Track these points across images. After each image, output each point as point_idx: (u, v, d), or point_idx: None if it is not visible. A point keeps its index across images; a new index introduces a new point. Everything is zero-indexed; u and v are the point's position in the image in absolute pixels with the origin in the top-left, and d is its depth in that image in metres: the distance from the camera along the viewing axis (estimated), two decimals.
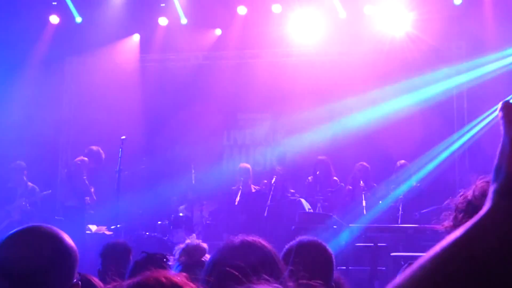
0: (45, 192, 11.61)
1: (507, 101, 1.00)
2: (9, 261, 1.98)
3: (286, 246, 3.14)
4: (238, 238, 2.39)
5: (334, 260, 3.17)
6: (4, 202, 11.32)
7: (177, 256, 3.66)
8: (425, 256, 0.96)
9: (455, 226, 2.25)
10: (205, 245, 3.63)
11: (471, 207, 2.23)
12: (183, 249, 3.56)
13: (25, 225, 2.09)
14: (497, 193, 0.94)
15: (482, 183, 2.28)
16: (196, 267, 3.52)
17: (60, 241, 2.08)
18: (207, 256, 3.70)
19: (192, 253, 3.55)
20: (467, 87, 12.23)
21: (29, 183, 11.56)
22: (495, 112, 1.03)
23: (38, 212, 11.53)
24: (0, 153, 12.17)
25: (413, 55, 12.59)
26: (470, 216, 2.18)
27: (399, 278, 0.96)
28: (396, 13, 12.41)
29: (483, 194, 2.20)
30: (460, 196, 2.33)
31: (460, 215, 2.26)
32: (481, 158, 11.35)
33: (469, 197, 2.27)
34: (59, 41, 13.34)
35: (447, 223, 2.33)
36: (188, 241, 3.63)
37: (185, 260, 3.55)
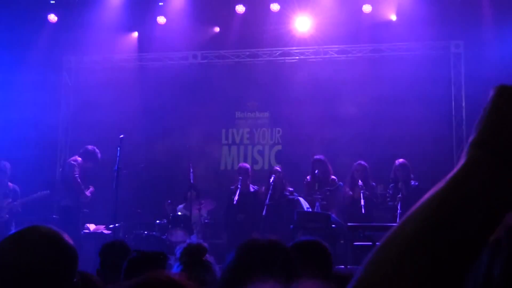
0: (41, 193, 11.54)
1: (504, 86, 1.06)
2: (9, 262, 1.98)
3: (288, 245, 3.13)
4: (260, 238, 2.39)
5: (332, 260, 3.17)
6: None
7: (178, 255, 3.65)
8: (408, 213, 1.02)
9: None
10: (206, 245, 3.62)
11: None
12: (184, 249, 3.55)
13: (24, 226, 2.08)
14: (472, 145, 1.02)
15: None
16: (198, 266, 3.51)
17: (60, 241, 2.08)
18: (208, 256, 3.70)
19: (194, 252, 3.54)
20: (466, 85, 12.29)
21: (10, 184, 11.49)
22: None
23: (29, 212, 11.50)
24: None
25: (410, 54, 12.63)
26: None
27: (387, 235, 1.00)
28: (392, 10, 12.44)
29: None
30: None
31: None
32: None
33: None
34: (57, 39, 13.32)
35: None
36: (189, 240, 3.63)
37: (186, 260, 3.55)
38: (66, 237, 2.11)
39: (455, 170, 1.00)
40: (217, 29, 13.53)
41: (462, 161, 1.01)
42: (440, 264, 0.95)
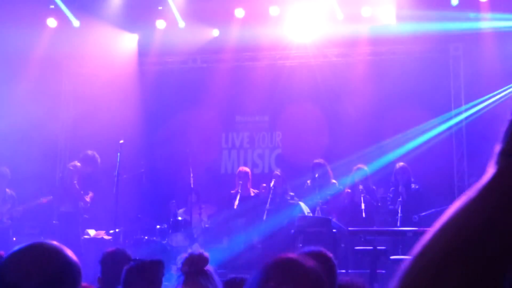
0: (42, 198, 11.53)
1: None
2: (14, 278, 1.98)
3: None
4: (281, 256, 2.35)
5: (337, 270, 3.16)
6: None
7: (179, 265, 3.65)
8: (439, 223, 1.02)
9: None
10: (207, 255, 3.62)
11: None
12: (186, 258, 3.56)
13: (28, 243, 2.08)
14: (502, 154, 1.01)
15: None
16: (199, 276, 3.51)
17: (64, 256, 2.08)
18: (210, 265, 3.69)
19: (195, 262, 3.54)
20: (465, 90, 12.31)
21: (7, 190, 11.48)
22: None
23: (30, 217, 11.50)
24: None
25: (410, 57, 12.64)
26: None
27: (420, 246, 1.01)
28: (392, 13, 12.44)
29: None
30: None
31: None
32: (479, 160, 11.36)
33: None
34: (56, 44, 13.31)
35: None
36: (190, 250, 3.63)
37: (188, 269, 3.54)
38: (70, 253, 2.11)
39: (487, 179, 1.00)
40: (216, 33, 13.52)
41: (493, 170, 1.01)
42: (481, 273, 0.95)
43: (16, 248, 2.05)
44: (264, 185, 11.06)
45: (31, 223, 11.64)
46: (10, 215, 11.34)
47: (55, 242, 2.12)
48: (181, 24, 13.17)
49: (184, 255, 3.61)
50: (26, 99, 12.81)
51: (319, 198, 10.19)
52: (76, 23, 13.25)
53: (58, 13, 13.21)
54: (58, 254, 2.06)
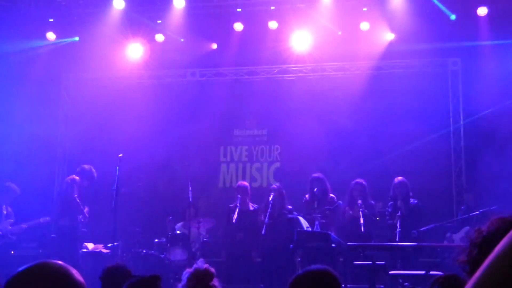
0: (44, 218, 11.52)
1: None
2: None
3: (295, 275, 3.11)
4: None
5: None
6: None
7: (184, 280, 3.62)
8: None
9: (469, 262, 2.25)
10: (213, 270, 3.58)
11: (486, 243, 2.22)
12: (192, 274, 3.53)
13: (33, 262, 2.08)
14: None
15: (497, 220, 2.28)
16: None
17: (69, 276, 2.07)
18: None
19: (201, 278, 3.51)
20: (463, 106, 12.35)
21: (8, 207, 11.47)
22: None
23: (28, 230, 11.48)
24: None
25: (409, 71, 12.68)
26: (484, 252, 2.18)
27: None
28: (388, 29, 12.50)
29: (498, 231, 2.20)
30: (476, 231, 2.33)
31: (475, 251, 2.25)
32: (478, 176, 11.38)
33: (484, 233, 2.26)
34: (55, 57, 13.33)
35: (462, 257, 2.32)
36: (196, 265, 3.58)
37: (193, 285, 3.52)
38: (75, 273, 2.11)
39: None
40: (215, 47, 13.55)
41: None
42: None
43: (20, 268, 2.04)
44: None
45: (29, 237, 11.60)
46: (13, 231, 11.31)
47: (60, 262, 2.11)
48: (180, 37, 13.21)
49: (188, 270, 3.58)
50: (24, 113, 12.83)
51: (318, 213, 10.17)
52: (75, 36, 13.27)
53: (57, 27, 13.23)
54: (63, 274, 2.06)
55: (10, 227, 11.30)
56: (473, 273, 2.18)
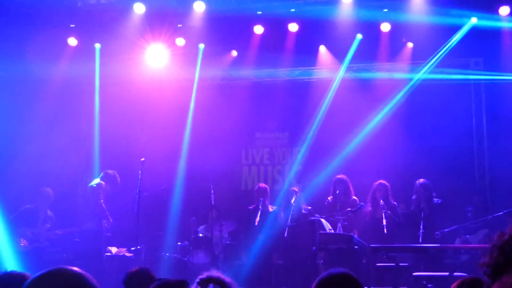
0: (77, 228, 11.63)
1: None
2: None
3: (317, 279, 3.10)
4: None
5: None
6: (24, 223, 11.34)
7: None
8: None
9: (490, 265, 2.23)
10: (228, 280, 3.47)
11: (508, 245, 2.19)
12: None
13: (51, 268, 2.09)
14: None
15: None
16: None
17: (84, 283, 2.08)
18: None
19: None
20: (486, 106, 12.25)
21: (48, 211, 11.61)
22: None
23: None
24: (19, 173, 12.23)
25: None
26: (506, 255, 2.16)
27: None
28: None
29: None
30: (498, 234, 2.30)
31: (496, 254, 2.23)
32: (501, 175, 11.30)
33: (506, 236, 2.23)
34: (77, 62, 13.41)
35: (483, 260, 2.30)
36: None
37: None
38: (91, 279, 2.11)
39: None
40: (235, 54, 13.55)
41: None
42: None
43: (37, 274, 2.05)
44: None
45: (53, 242, 11.70)
46: (48, 237, 11.42)
47: (76, 268, 2.12)
48: (200, 41, 13.25)
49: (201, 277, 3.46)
50: (47, 119, 12.93)
51: (340, 215, 10.15)
52: (96, 41, 13.35)
53: (78, 32, 13.32)
54: (80, 280, 2.07)
55: (44, 232, 11.41)
56: (494, 276, 2.16)
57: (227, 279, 3.51)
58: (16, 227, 11.30)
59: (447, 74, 12.31)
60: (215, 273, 3.67)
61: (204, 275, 3.66)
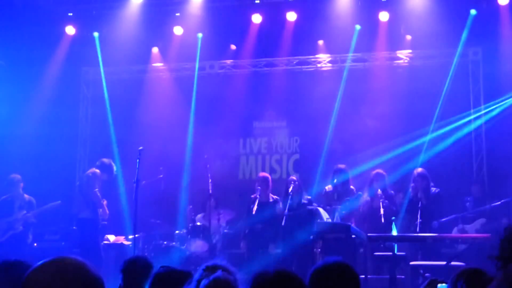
0: (53, 203, 11.59)
1: None
2: None
3: (312, 268, 3.11)
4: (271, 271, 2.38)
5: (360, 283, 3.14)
6: (2, 214, 11.36)
7: (198, 276, 3.54)
8: None
9: (501, 258, 2.24)
10: (233, 279, 3.41)
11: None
12: (209, 285, 3.35)
13: (50, 257, 2.08)
14: None
15: None
16: None
17: (87, 272, 2.07)
18: None
19: None
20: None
21: (26, 196, 11.59)
22: None
23: (50, 222, 11.59)
24: (16, 163, 12.25)
25: (429, 61, 12.60)
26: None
27: None
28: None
29: None
30: (508, 227, 2.31)
31: (507, 246, 2.25)
32: (499, 165, 11.32)
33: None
34: (75, 51, 13.40)
35: (494, 253, 2.31)
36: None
37: None
38: (93, 268, 2.10)
39: None
40: (233, 40, 13.52)
41: None
42: None
43: (38, 263, 2.04)
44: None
45: (51, 229, 11.71)
46: (24, 222, 11.40)
47: (77, 257, 2.11)
48: (198, 30, 13.22)
49: (207, 280, 3.37)
50: (44, 106, 12.91)
51: (338, 204, 10.16)
52: (94, 30, 13.32)
53: (76, 21, 13.29)
54: (80, 269, 2.06)
55: (20, 218, 11.38)
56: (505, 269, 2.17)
57: (232, 268, 3.52)
58: None
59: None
60: (220, 261, 3.68)
61: (210, 262, 3.67)
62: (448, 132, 12.03)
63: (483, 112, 12.14)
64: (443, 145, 11.95)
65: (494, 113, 11.92)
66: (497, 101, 11.87)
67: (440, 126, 12.07)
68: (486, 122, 12.10)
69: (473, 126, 12.15)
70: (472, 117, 12.17)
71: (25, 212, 11.44)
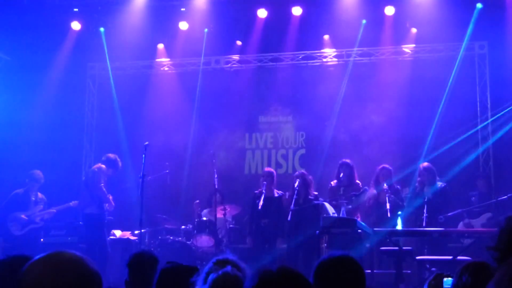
0: (71, 203, 11.64)
1: None
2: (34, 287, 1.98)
3: (318, 262, 3.11)
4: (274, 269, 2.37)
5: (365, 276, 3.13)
6: (16, 208, 11.40)
7: (208, 268, 3.52)
8: None
9: (499, 249, 2.23)
10: (241, 276, 3.36)
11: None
12: (217, 280, 3.31)
13: (48, 252, 2.08)
14: None
15: None
16: None
17: (84, 267, 2.07)
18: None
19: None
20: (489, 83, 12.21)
21: (39, 194, 11.65)
22: None
23: (55, 218, 11.65)
24: (23, 158, 12.29)
25: (434, 56, 12.56)
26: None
27: None
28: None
29: None
30: (508, 218, 2.30)
31: (505, 238, 2.23)
32: (506, 160, 11.28)
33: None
34: (81, 47, 13.41)
35: (492, 244, 2.30)
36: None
37: None
38: (90, 262, 2.10)
39: None
40: (239, 43, 13.51)
41: None
42: None
43: (34, 258, 2.04)
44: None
45: (57, 224, 11.74)
46: (42, 217, 11.48)
47: (75, 252, 2.11)
48: (204, 25, 13.21)
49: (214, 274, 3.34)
50: (51, 103, 12.94)
51: (344, 199, 10.15)
52: (100, 26, 13.33)
53: (82, 16, 13.30)
54: (78, 264, 2.06)
55: (38, 213, 11.46)
56: (503, 260, 2.16)
57: (242, 264, 3.50)
58: (8, 213, 11.34)
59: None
60: (231, 256, 3.66)
61: (221, 256, 3.65)
62: (454, 126, 11.99)
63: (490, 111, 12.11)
64: (449, 140, 11.92)
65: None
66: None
67: (446, 121, 12.03)
68: (493, 120, 12.04)
69: (479, 120, 12.12)
70: (479, 113, 12.14)
71: (41, 207, 11.51)
